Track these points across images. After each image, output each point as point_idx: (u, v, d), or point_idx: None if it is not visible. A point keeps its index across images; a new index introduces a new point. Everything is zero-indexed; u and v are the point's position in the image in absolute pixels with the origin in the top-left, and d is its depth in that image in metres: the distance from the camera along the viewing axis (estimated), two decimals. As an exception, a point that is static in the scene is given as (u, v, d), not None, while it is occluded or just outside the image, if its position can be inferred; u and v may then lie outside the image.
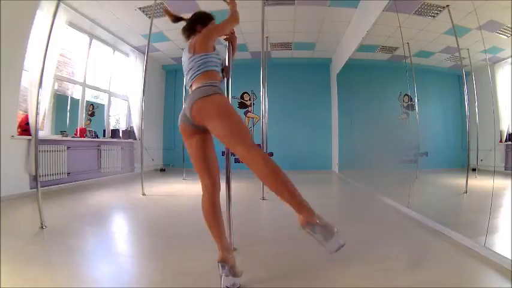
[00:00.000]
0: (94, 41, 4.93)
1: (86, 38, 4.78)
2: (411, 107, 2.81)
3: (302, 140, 6.58)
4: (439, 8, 2.34)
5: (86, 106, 4.85)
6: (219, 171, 1.43)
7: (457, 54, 2.22)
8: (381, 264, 1.48)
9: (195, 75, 1.36)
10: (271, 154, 7.01)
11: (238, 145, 1.17)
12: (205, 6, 4.23)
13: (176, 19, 1.63)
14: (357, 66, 4.53)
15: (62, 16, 3.80)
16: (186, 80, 1.43)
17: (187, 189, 4.06)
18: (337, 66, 5.87)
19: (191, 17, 1.62)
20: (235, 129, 1.21)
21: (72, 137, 4.27)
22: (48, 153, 3.76)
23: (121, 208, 2.95)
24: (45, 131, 4.05)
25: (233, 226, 1.68)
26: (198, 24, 1.58)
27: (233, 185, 1.75)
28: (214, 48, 1.45)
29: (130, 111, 5.95)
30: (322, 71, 6.68)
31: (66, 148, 4.05)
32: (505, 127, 1.85)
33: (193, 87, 1.34)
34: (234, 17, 1.57)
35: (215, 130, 1.23)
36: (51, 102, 4.07)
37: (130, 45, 5.68)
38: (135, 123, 5.81)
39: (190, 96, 1.31)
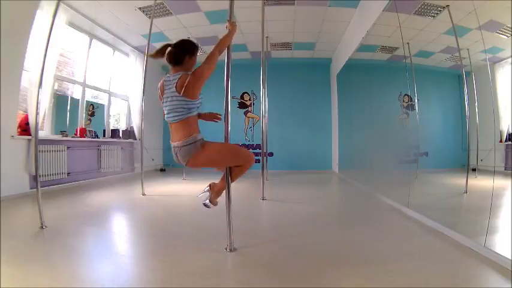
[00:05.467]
0: (94, 41, 4.93)
1: (86, 38, 4.78)
2: (411, 107, 2.81)
3: (302, 140, 6.58)
4: (439, 8, 2.34)
5: (86, 106, 4.85)
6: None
7: (457, 54, 2.22)
8: (380, 264, 1.48)
9: (180, 118, 1.59)
10: (271, 154, 6.98)
11: None
12: (204, 6, 4.24)
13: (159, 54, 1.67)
14: (357, 66, 4.53)
15: (62, 16, 3.80)
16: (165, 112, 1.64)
17: (187, 189, 4.06)
18: (337, 66, 5.87)
19: (180, 46, 1.68)
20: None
21: (72, 137, 4.27)
22: (48, 153, 3.76)
23: (121, 208, 2.95)
24: (45, 131, 4.04)
25: (233, 226, 1.68)
26: (187, 55, 1.66)
27: (233, 185, 1.75)
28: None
29: (130, 111, 5.94)
30: (322, 71, 6.68)
31: (66, 148, 4.05)
32: (505, 127, 1.85)
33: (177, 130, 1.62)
34: (219, 48, 1.69)
35: None
36: (51, 102, 4.06)
37: (131, 45, 5.68)
38: (135, 123, 5.81)
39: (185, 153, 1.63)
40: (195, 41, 1.81)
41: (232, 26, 1.77)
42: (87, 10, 4.20)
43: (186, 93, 1.54)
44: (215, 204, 1.82)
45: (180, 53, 1.63)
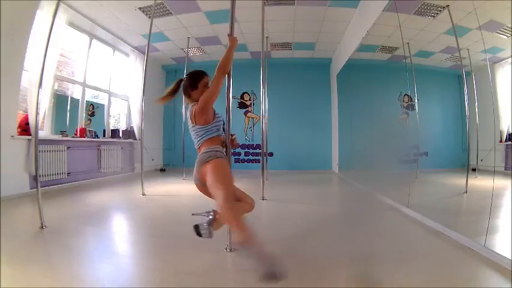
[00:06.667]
0: (94, 41, 4.93)
1: (86, 38, 4.78)
2: (411, 107, 2.81)
3: (302, 140, 6.58)
4: (439, 8, 2.34)
5: (86, 106, 4.85)
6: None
7: (457, 54, 2.22)
8: (380, 264, 1.48)
9: (199, 143, 1.63)
10: (271, 154, 6.95)
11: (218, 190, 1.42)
12: (204, 6, 4.24)
13: (174, 92, 1.74)
14: (357, 66, 4.53)
15: (62, 16, 3.80)
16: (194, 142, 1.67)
17: (187, 189, 4.06)
18: (337, 66, 5.88)
19: (185, 81, 1.72)
20: (221, 177, 1.48)
21: (72, 137, 4.27)
22: (48, 153, 3.76)
23: (121, 208, 2.95)
24: (45, 131, 4.05)
25: (233, 226, 1.68)
26: (189, 89, 1.69)
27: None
28: (214, 115, 1.66)
29: (130, 111, 5.94)
30: (322, 71, 6.68)
31: (66, 148, 4.05)
32: (505, 127, 1.85)
33: (200, 151, 1.62)
34: (221, 69, 1.62)
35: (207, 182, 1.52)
36: (51, 102, 4.06)
37: (131, 45, 5.68)
38: (135, 123, 5.81)
39: (198, 160, 1.59)
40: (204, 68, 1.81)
41: (233, 40, 1.69)
42: (87, 10, 4.20)
43: (198, 123, 1.61)
44: (215, 228, 1.58)
45: (187, 87, 1.69)
